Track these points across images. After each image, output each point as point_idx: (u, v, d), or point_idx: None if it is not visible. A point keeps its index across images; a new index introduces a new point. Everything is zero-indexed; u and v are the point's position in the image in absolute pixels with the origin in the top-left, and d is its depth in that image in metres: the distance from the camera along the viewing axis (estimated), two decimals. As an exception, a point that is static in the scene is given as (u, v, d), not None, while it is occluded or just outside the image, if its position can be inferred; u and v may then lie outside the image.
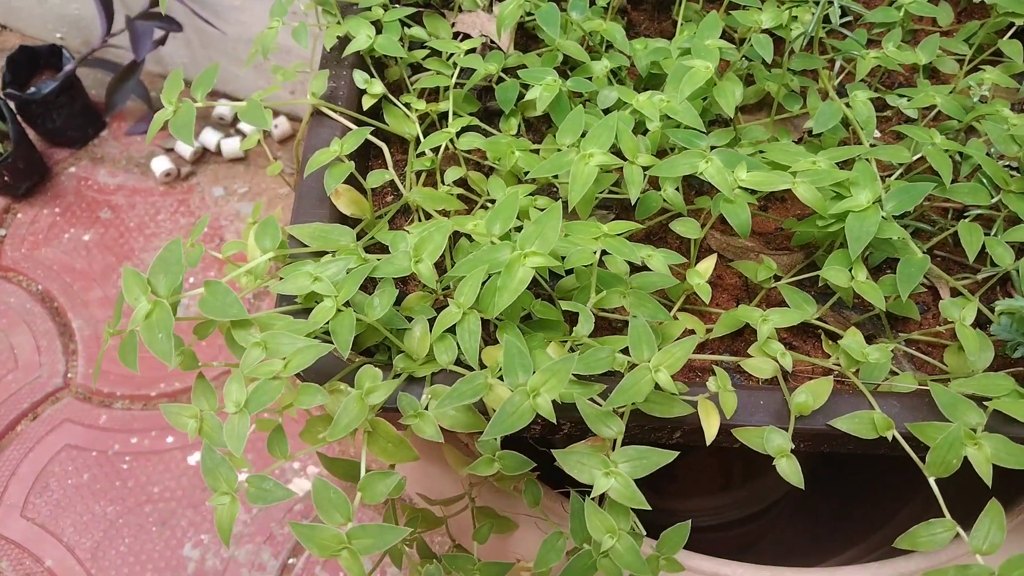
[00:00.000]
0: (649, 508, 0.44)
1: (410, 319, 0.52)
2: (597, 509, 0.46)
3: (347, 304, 0.48)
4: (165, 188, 1.47)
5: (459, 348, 0.49)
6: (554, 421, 0.44)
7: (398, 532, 0.43)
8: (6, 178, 1.38)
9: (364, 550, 0.43)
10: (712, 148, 0.64)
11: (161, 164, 1.46)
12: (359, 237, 0.56)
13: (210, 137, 1.49)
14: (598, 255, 0.52)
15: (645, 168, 0.61)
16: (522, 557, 0.58)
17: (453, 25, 0.75)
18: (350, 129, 0.61)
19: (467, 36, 0.74)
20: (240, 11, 1.38)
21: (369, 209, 0.58)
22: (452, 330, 0.49)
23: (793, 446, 0.50)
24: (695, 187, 0.75)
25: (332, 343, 0.47)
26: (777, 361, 0.57)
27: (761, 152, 0.70)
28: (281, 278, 0.50)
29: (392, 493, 0.45)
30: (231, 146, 1.49)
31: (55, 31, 1.59)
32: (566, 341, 0.54)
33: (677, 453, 0.46)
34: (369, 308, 0.49)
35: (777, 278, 0.69)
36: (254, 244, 0.51)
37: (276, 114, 1.52)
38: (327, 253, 0.53)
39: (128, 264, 1.40)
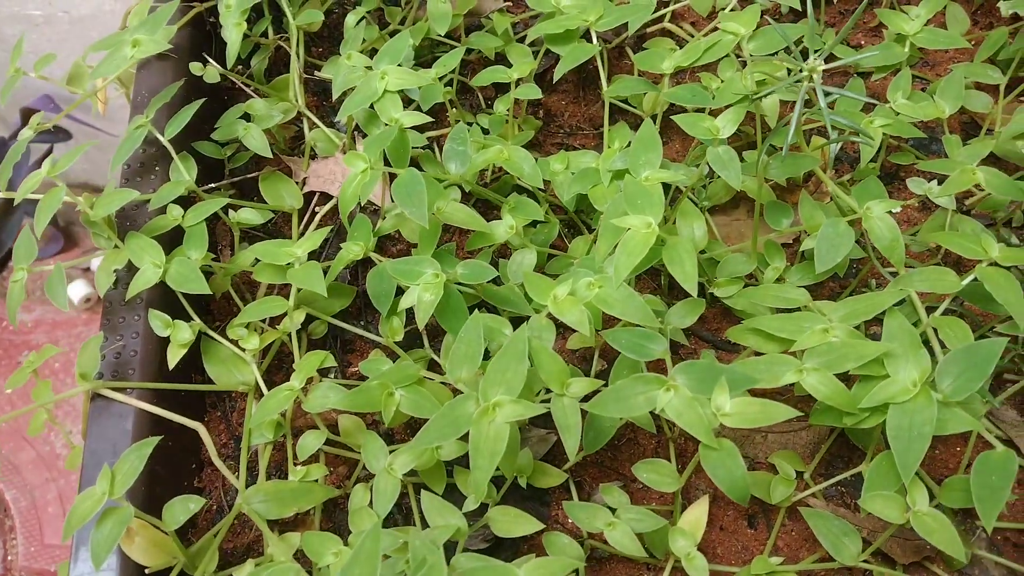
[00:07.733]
0: None
1: None
2: None
3: None
4: (88, 315, 1.30)
5: None
6: None
7: None
8: (-96, 341, 1.22)
9: None
10: (674, 360, 0.45)
11: (78, 290, 1.29)
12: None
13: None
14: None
15: (583, 399, 0.41)
16: None
17: (303, 182, 0.55)
18: (147, 413, 0.43)
19: (324, 194, 0.55)
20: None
21: (179, 549, 0.39)
22: None
23: None
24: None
25: None
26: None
27: (741, 318, 0.51)
28: None
29: None
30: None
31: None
32: None
33: None
34: None
35: (799, 473, 0.50)
36: None
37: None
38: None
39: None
